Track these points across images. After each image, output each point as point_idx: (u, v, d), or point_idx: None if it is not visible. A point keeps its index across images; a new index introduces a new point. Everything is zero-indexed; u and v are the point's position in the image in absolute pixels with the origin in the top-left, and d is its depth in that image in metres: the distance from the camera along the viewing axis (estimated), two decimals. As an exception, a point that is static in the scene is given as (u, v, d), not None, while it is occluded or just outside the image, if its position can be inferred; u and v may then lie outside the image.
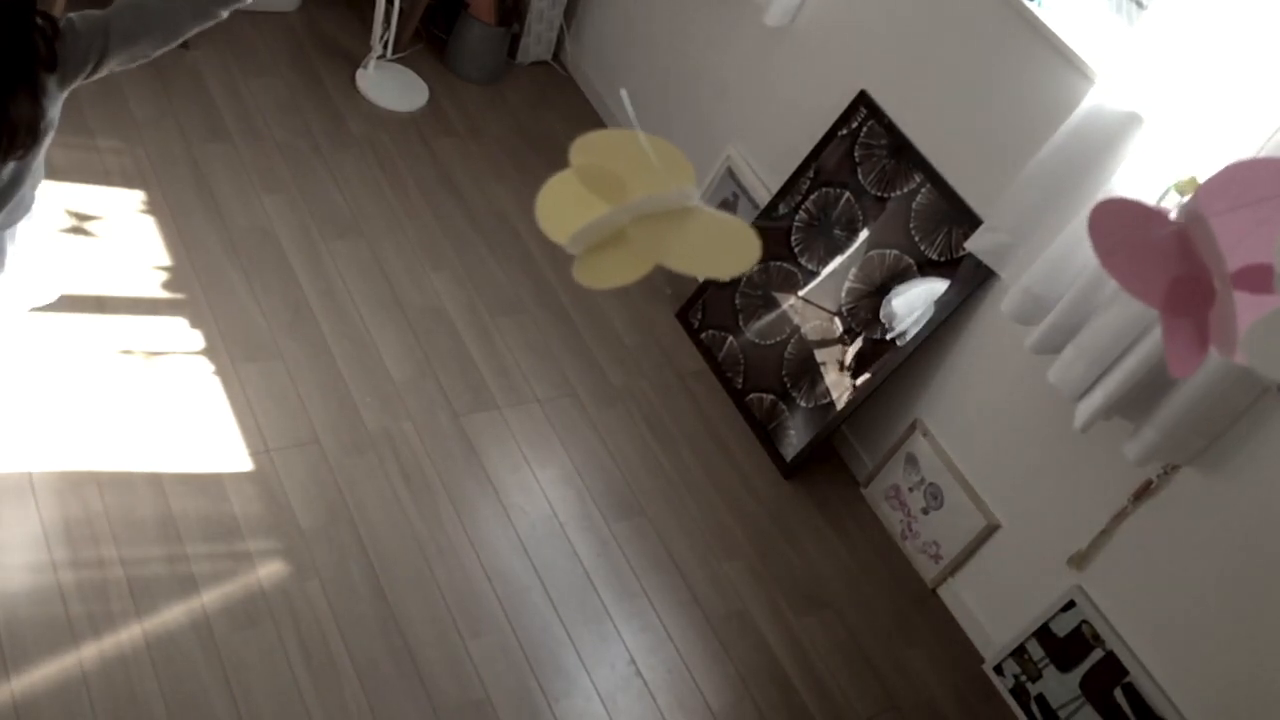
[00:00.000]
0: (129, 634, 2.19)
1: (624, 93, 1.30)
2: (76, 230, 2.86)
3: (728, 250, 1.08)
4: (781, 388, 3.18)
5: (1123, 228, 1.13)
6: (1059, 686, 2.75)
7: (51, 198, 2.89)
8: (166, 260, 2.90)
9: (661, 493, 2.96)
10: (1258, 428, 2.33)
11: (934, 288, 2.87)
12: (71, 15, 1.77)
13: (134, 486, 2.43)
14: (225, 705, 2.15)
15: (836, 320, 3.08)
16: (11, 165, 1.83)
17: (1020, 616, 2.84)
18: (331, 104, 3.59)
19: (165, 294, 2.82)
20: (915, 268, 2.91)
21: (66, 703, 2.05)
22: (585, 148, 1.13)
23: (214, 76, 3.50)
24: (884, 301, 2.96)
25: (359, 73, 3.75)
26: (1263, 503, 2.35)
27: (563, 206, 1.16)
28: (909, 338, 2.91)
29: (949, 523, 2.98)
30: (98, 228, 2.89)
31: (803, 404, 3.14)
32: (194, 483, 2.49)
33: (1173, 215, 1.11)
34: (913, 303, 2.90)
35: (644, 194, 1.11)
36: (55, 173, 2.95)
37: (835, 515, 3.13)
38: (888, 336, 2.95)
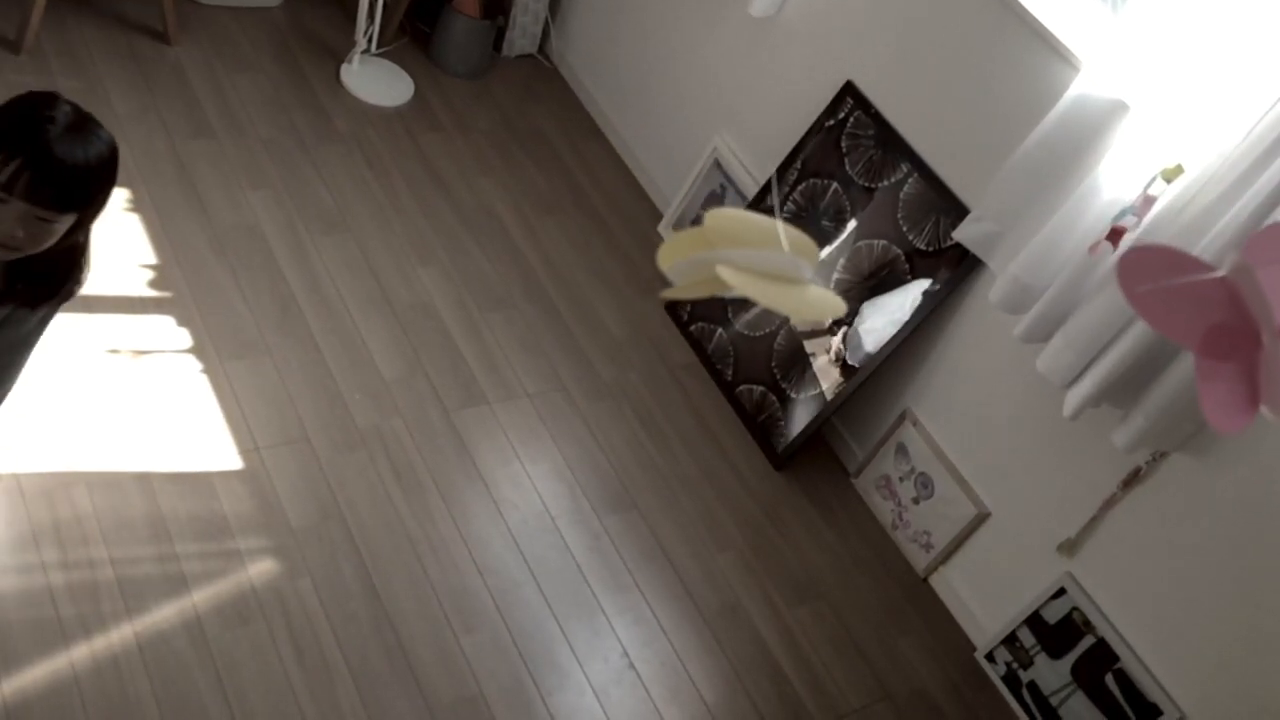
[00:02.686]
0: (120, 634, 2.18)
1: (774, 178, 1.32)
2: (61, 229, 2.84)
3: (810, 310, 1.13)
4: (771, 379, 3.19)
5: (1155, 272, 1.12)
6: (1050, 673, 2.76)
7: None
8: (152, 259, 2.88)
9: (652, 486, 2.96)
10: (1245, 414, 2.35)
11: (898, 307, 2.89)
12: None
13: (123, 486, 2.42)
14: (218, 705, 2.15)
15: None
16: None
17: (1011, 604, 2.85)
18: (316, 99, 3.57)
19: (151, 292, 2.81)
20: (902, 258, 2.91)
21: (58, 704, 2.05)
22: (718, 216, 1.17)
23: (197, 72, 3.48)
24: (852, 333, 2.98)
25: (343, 68, 3.73)
26: (1251, 487, 2.36)
27: (681, 247, 1.19)
28: (871, 358, 2.93)
29: (940, 512, 2.99)
30: (82, 226, 2.87)
31: (793, 395, 3.14)
32: (183, 482, 2.48)
33: (1207, 261, 1.10)
34: (879, 331, 2.93)
35: (762, 251, 1.14)
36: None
37: (826, 506, 3.14)
38: (848, 362, 2.98)
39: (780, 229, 1.14)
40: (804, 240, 1.13)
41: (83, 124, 1.54)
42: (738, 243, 1.14)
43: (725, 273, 1.15)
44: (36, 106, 1.52)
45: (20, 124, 1.49)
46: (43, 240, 1.56)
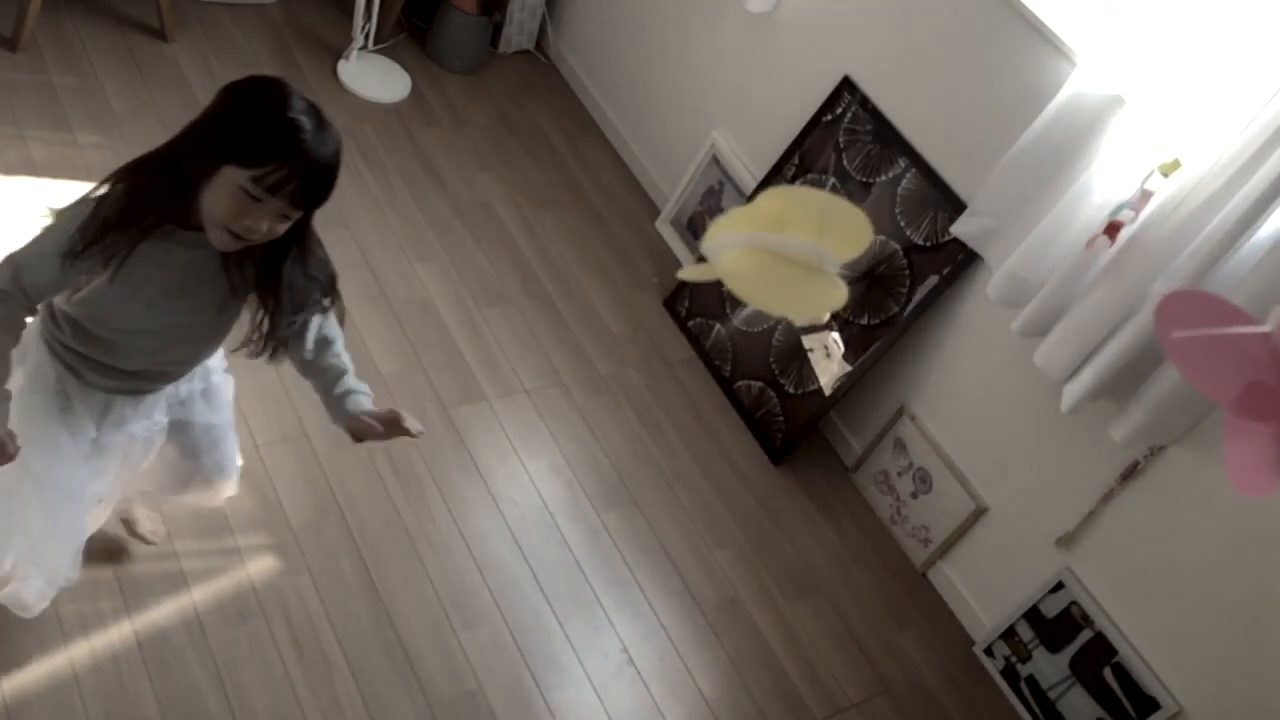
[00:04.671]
0: (120, 632, 2.18)
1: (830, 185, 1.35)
2: (58, 227, 2.84)
3: (807, 311, 1.16)
4: (769, 375, 3.19)
5: (1194, 319, 1.07)
6: (1049, 667, 2.77)
7: (31, 195, 2.87)
8: (150, 256, 2.88)
9: (651, 481, 2.96)
10: (1243, 407, 2.35)
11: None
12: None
13: (122, 484, 2.42)
14: (218, 701, 2.15)
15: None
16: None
17: (1009, 598, 2.85)
18: (313, 96, 3.52)
19: (149, 290, 2.81)
20: (900, 254, 2.91)
21: (58, 702, 2.05)
22: (771, 195, 1.20)
23: (194, 69, 3.47)
24: None
25: (340, 64, 3.73)
26: (1248, 482, 2.37)
27: (729, 223, 1.22)
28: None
29: (938, 506, 2.99)
30: (80, 224, 2.86)
31: (791, 391, 3.14)
32: (182, 479, 2.47)
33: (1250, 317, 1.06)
34: None
35: (789, 237, 1.16)
36: (36, 169, 2.93)
37: (825, 501, 3.14)
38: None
39: (830, 210, 1.16)
40: (856, 219, 1.14)
41: (320, 117, 1.54)
42: (783, 225, 1.16)
43: (727, 273, 1.17)
44: (280, 105, 1.50)
45: (276, 130, 1.49)
46: (278, 232, 1.57)
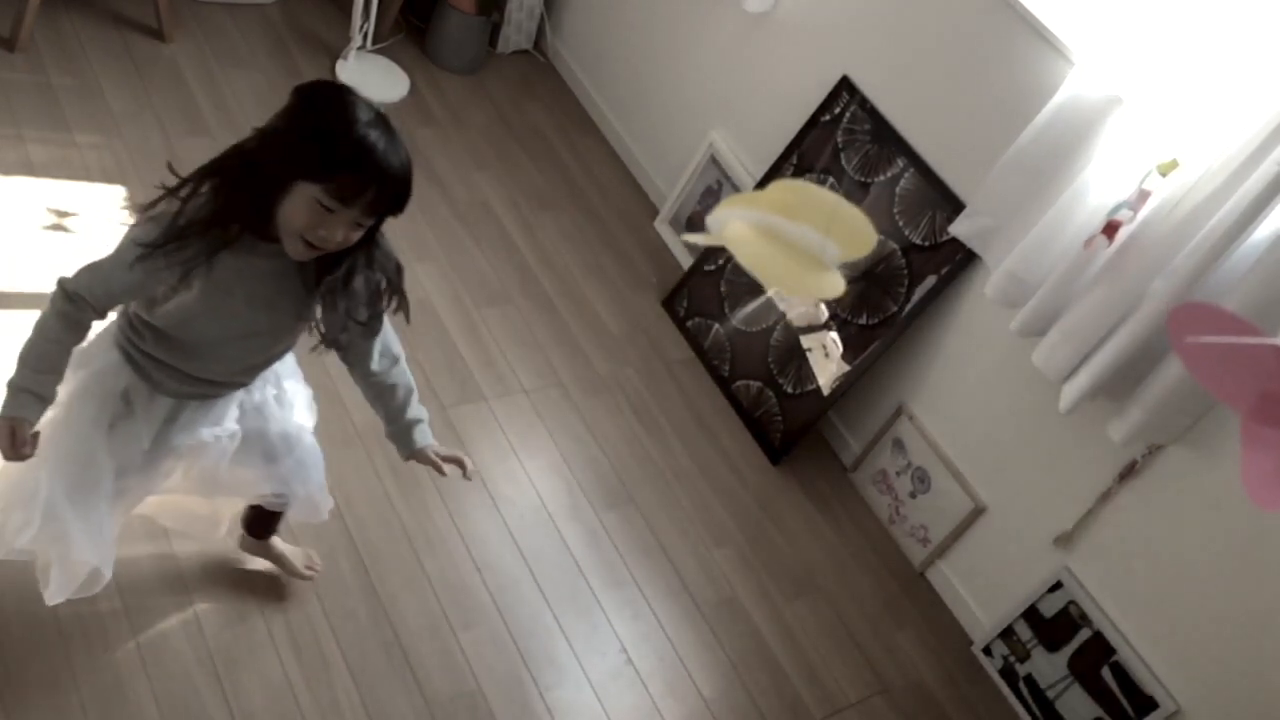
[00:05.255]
0: (118, 634, 2.18)
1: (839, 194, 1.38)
2: (57, 228, 2.84)
3: (804, 289, 1.17)
4: (768, 375, 3.19)
5: (1205, 329, 1.08)
6: (1047, 666, 2.77)
7: (31, 195, 2.87)
8: (148, 256, 2.87)
9: (650, 481, 2.96)
10: (1241, 407, 2.35)
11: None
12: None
13: (120, 485, 2.41)
14: (217, 703, 2.15)
15: (821, 306, 3.09)
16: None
17: (1008, 598, 2.85)
18: (311, 96, 3.56)
19: (147, 290, 2.80)
20: (899, 253, 2.91)
21: (57, 705, 2.05)
22: (781, 187, 1.22)
23: (192, 69, 3.47)
24: None
25: (339, 64, 3.73)
26: (1246, 481, 2.37)
27: (735, 203, 1.25)
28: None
29: (936, 506, 3.00)
30: (78, 225, 2.86)
31: (789, 390, 3.14)
32: (180, 480, 2.47)
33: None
34: None
35: (796, 224, 1.18)
36: (34, 170, 2.93)
37: (823, 501, 3.14)
38: None
39: (838, 211, 1.17)
40: (862, 225, 1.15)
41: (387, 126, 1.57)
42: (789, 213, 1.17)
43: (732, 237, 1.18)
44: (349, 119, 1.53)
45: (347, 145, 1.52)
46: (353, 240, 1.62)
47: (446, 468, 1.92)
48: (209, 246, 1.59)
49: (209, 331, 1.73)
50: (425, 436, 1.91)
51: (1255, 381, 1.05)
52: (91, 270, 1.66)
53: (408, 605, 2.45)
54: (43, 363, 1.67)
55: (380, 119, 1.56)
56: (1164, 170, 2.29)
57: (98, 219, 2.91)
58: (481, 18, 3.91)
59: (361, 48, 3.77)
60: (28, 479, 1.79)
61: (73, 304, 1.65)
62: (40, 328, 1.67)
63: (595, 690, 2.47)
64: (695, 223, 3.57)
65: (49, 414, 1.72)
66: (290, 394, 2.04)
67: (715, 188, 3.49)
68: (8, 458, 1.67)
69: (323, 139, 1.52)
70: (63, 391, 1.74)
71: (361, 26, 3.70)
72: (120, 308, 1.77)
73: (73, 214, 2.88)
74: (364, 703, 2.25)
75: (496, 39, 4.10)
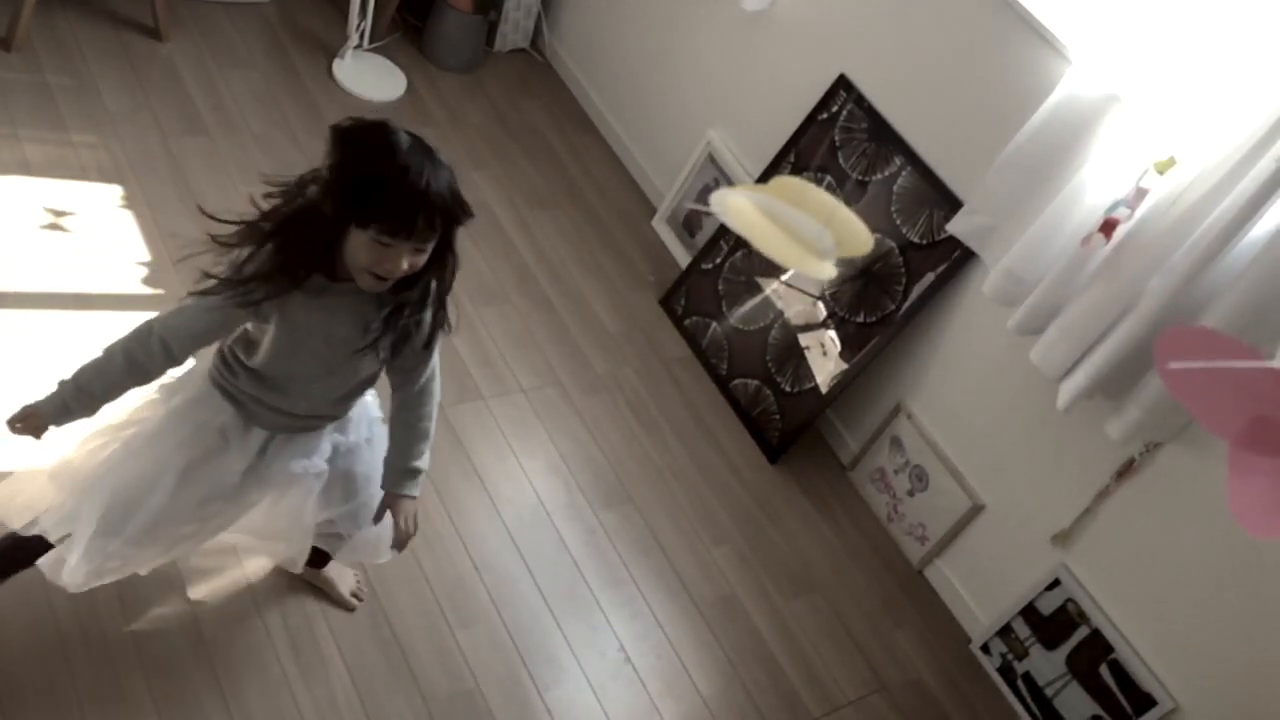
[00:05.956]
0: (116, 633, 2.18)
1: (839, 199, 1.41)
2: (54, 227, 2.83)
3: (798, 264, 1.21)
4: (765, 373, 3.19)
5: (1193, 353, 1.06)
6: (1045, 664, 2.77)
7: (28, 194, 2.86)
8: (146, 255, 2.87)
9: (648, 480, 2.96)
10: (1238, 405, 2.35)
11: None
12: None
13: (118, 484, 2.41)
14: (215, 702, 2.15)
15: (819, 305, 3.09)
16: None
17: (1006, 596, 2.86)
18: (309, 95, 3.56)
19: (145, 290, 2.80)
20: (896, 251, 2.91)
21: (55, 703, 2.04)
22: (784, 181, 1.26)
23: (189, 68, 3.47)
24: None
25: (336, 63, 3.72)
26: (1244, 479, 2.37)
27: (740, 188, 1.28)
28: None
29: (934, 504, 3.00)
30: (75, 224, 2.86)
31: (787, 389, 3.14)
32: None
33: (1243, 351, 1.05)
34: None
35: (797, 213, 1.21)
36: (31, 169, 2.93)
37: (821, 499, 3.14)
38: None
39: (837, 214, 1.19)
40: (858, 230, 1.18)
41: (427, 151, 1.60)
42: (791, 202, 1.20)
43: (735, 207, 1.20)
44: (385, 159, 1.55)
45: (386, 186, 1.55)
46: (419, 265, 1.66)
47: (398, 534, 1.94)
48: (276, 289, 1.65)
49: (295, 370, 1.79)
50: (415, 488, 1.94)
51: (1245, 407, 1.03)
52: (179, 312, 1.74)
53: (406, 604, 2.45)
54: (92, 384, 1.77)
55: (417, 145, 1.59)
56: (1161, 168, 2.29)
57: (94, 218, 2.90)
58: (479, 16, 3.91)
59: (358, 46, 3.76)
60: (90, 482, 1.87)
61: (146, 351, 1.73)
62: (108, 356, 1.76)
63: (594, 689, 2.47)
64: (692, 221, 3.57)
65: (140, 426, 1.85)
66: (380, 436, 2.06)
67: (713, 186, 3.49)
68: (17, 433, 1.82)
69: (363, 187, 1.56)
70: (153, 413, 1.86)
71: (358, 25, 3.70)
72: (216, 346, 1.85)
73: (69, 213, 2.88)
74: (362, 702, 2.25)
75: (494, 38, 4.10)
